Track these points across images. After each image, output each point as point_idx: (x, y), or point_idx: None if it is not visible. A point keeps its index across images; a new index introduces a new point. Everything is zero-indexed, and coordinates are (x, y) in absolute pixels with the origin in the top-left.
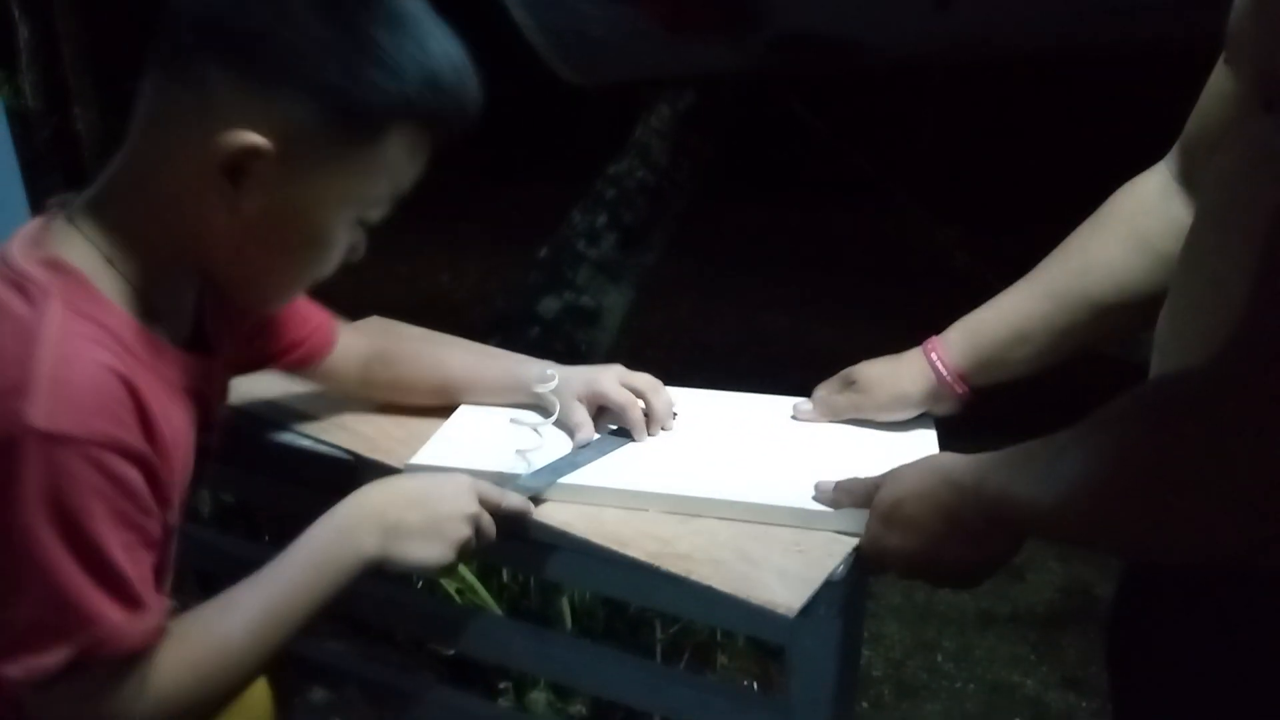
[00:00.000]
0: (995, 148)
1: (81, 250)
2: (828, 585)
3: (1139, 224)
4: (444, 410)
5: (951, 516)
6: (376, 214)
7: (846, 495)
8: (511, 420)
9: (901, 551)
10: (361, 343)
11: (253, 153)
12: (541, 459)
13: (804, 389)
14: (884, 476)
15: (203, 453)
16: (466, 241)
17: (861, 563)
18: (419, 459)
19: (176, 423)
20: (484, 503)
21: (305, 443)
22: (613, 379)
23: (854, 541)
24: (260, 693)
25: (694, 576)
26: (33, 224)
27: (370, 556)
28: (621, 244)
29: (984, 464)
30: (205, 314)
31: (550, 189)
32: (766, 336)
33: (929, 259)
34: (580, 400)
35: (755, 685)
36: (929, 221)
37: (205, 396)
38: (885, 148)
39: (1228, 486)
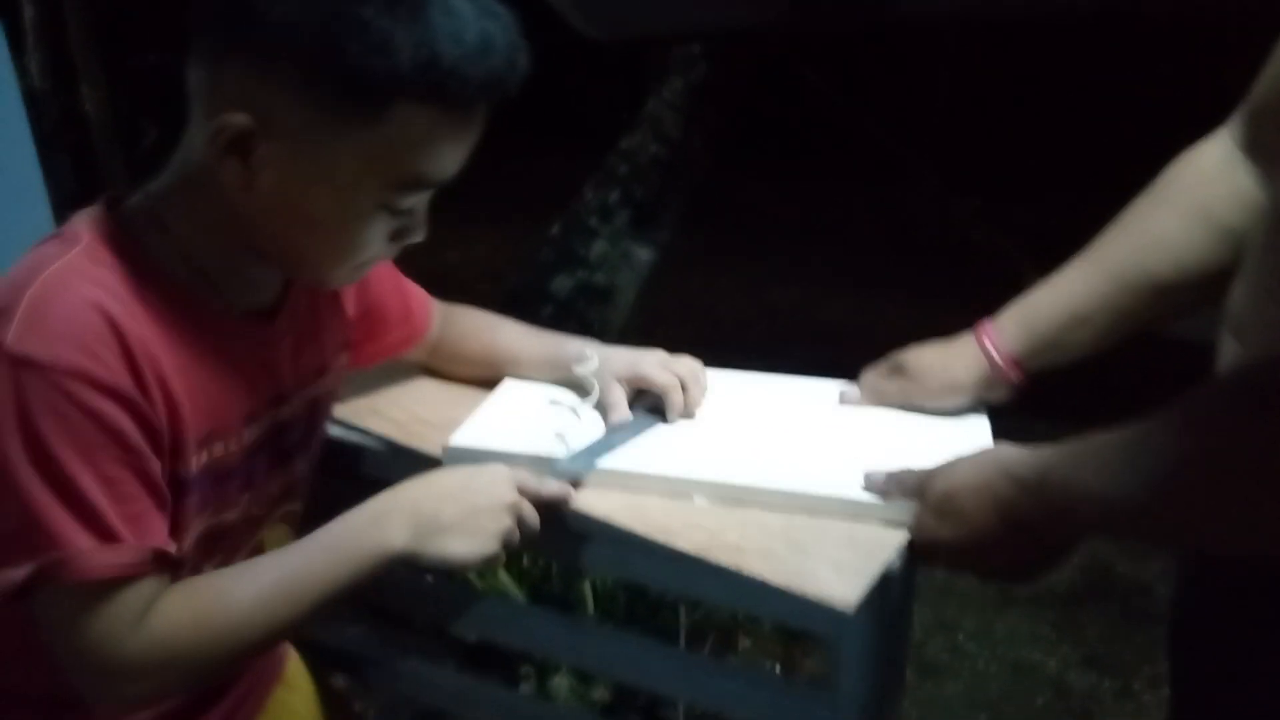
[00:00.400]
0: (1011, 116)
1: (139, 220)
2: (883, 578)
3: (1201, 197)
4: (477, 395)
5: (1007, 510)
6: (409, 200)
7: (898, 486)
8: (550, 401)
9: (953, 544)
10: (439, 315)
11: (244, 132)
12: (579, 441)
13: (814, 364)
14: (937, 468)
15: (278, 429)
16: (474, 217)
17: (912, 555)
18: (457, 440)
19: (207, 378)
20: (523, 492)
21: (336, 431)
22: (654, 361)
23: (905, 533)
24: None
25: (745, 569)
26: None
27: (399, 550)
28: (635, 220)
29: (1046, 457)
30: (293, 290)
31: (561, 163)
32: (776, 311)
33: (942, 231)
34: (620, 381)
35: (778, 667)
36: (944, 193)
37: (271, 365)
38: (898, 119)
39: None
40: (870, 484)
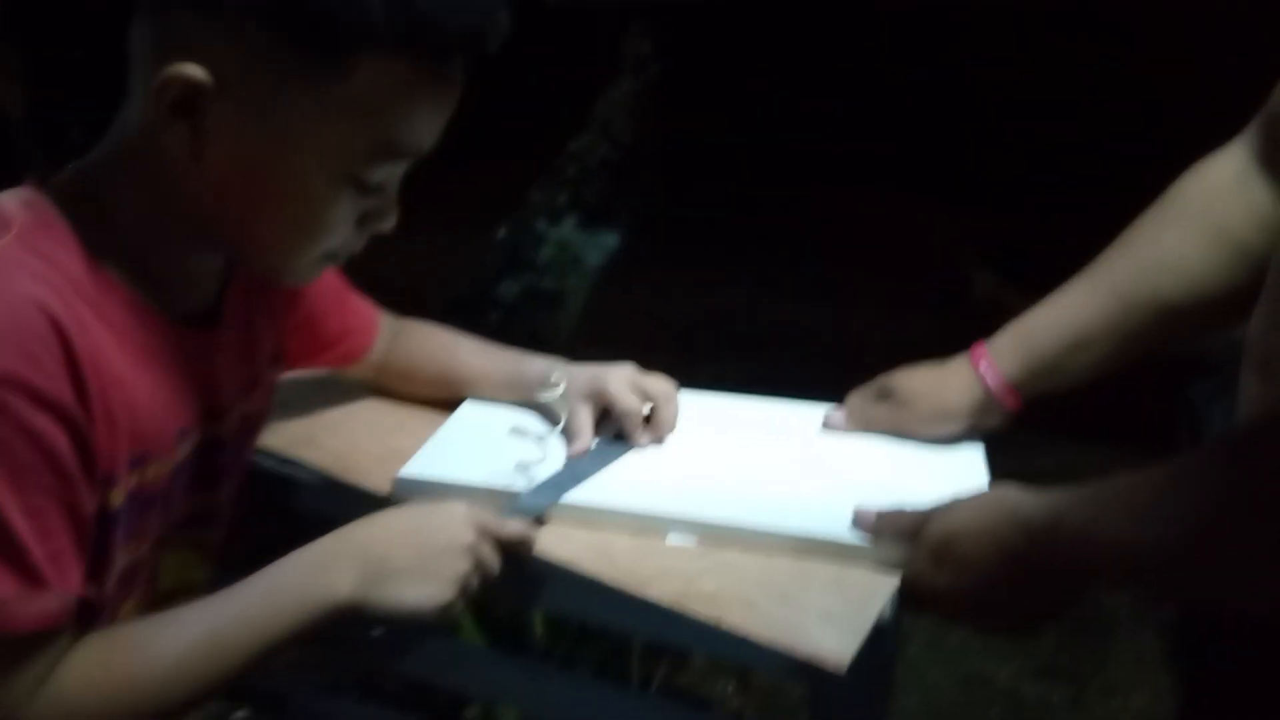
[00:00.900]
0: (961, 119)
1: (73, 200)
2: (874, 630)
3: (1214, 214)
4: (427, 420)
5: (1014, 558)
6: (378, 173)
7: (890, 527)
8: (513, 430)
9: (951, 593)
10: (388, 329)
11: (194, 87)
12: (542, 473)
13: (762, 367)
14: (934, 509)
15: (209, 447)
16: (416, 220)
17: (902, 602)
18: (408, 471)
19: (143, 390)
20: (483, 532)
21: (268, 463)
22: (622, 380)
23: (892, 579)
24: None
25: (725, 622)
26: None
27: (345, 599)
28: (584, 223)
29: (1059, 502)
30: (230, 293)
31: (506, 165)
32: (725, 315)
33: (891, 235)
34: (585, 401)
35: (731, 687)
36: (893, 197)
37: (207, 377)
38: (849, 122)
39: None
40: (860, 523)
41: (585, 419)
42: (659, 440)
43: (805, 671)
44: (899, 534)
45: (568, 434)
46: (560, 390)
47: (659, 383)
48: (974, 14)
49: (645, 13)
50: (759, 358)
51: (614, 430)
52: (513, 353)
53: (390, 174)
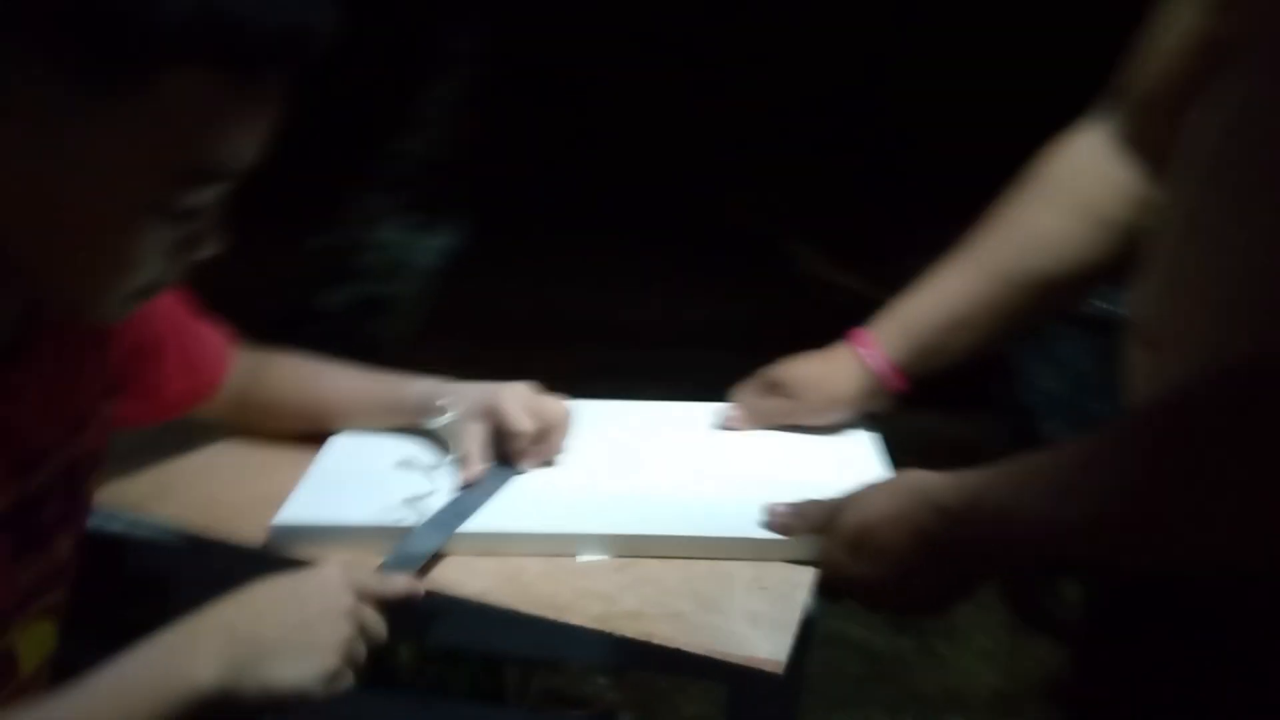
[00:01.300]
0: (776, 104)
1: None
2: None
3: (1081, 191)
4: (294, 459)
5: (931, 541)
6: (191, 199)
7: (802, 521)
8: (396, 460)
9: (870, 581)
10: (243, 362)
11: None
12: (434, 505)
13: (599, 361)
14: (844, 500)
15: (28, 503)
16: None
17: (821, 593)
18: (286, 516)
19: None
20: (362, 595)
21: (115, 525)
22: (516, 400)
23: (810, 570)
24: None
25: (657, 639)
26: None
27: (208, 686)
28: (414, 225)
29: (973, 484)
30: (36, 324)
31: (318, 169)
32: (559, 310)
33: (718, 222)
34: (477, 421)
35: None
36: (719, 186)
37: (12, 423)
38: (672, 113)
39: None
40: (772, 520)
41: (478, 441)
42: (546, 464)
43: (724, 671)
44: (811, 526)
45: (460, 459)
46: (449, 416)
47: (553, 405)
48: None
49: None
50: (595, 351)
51: (500, 453)
52: (390, 376)
53: (203, 198)
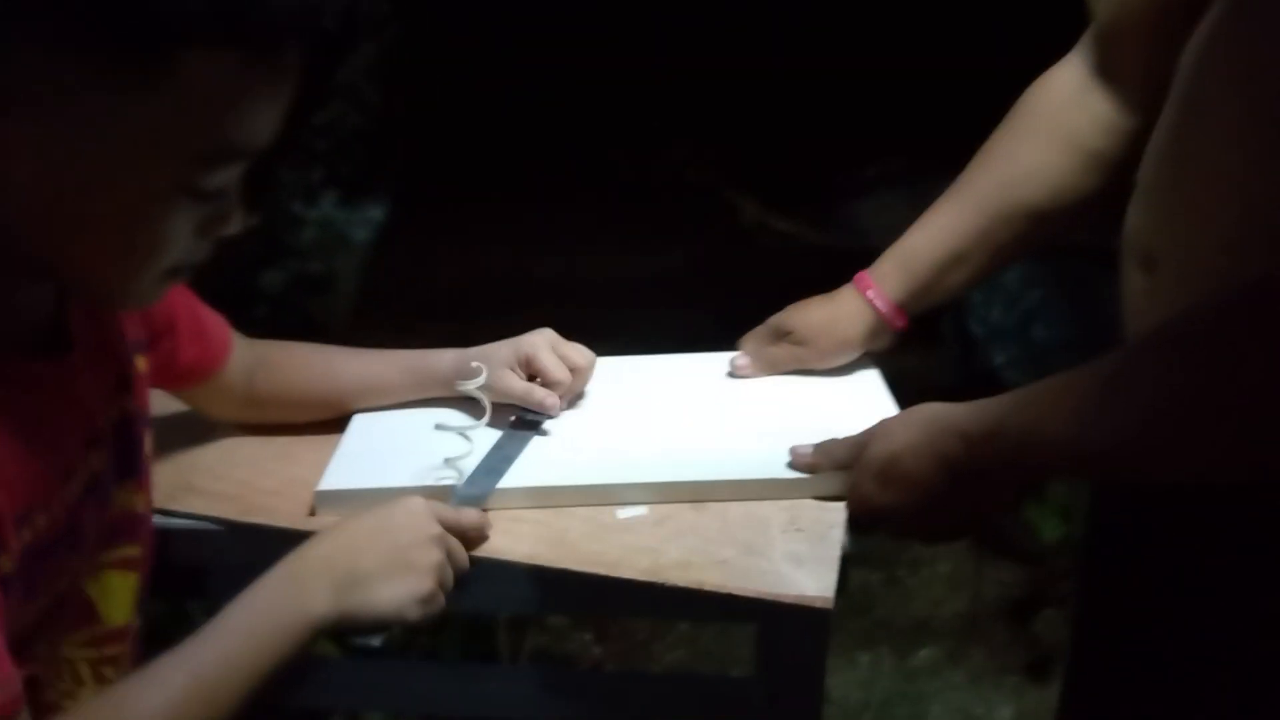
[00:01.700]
0: (707, 55)
1: None
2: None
3: (1064, 123)
4: (317, 445)
5: (957, 468)
6: (215, 178)
7: (827, 458)
8: (425, 427)
9: (899, 510)
10: (246, 350)
11: None
12: (471, 465)
13: (538, 319)
14: (868, 433)
15: (99, 478)
16: None
17: (852, 526)
18: (329, 483)
19: (9, 449)
20: (444, 524)
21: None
22: (547, 347)
23: (840, 507)
24: None
25: (708, 586)
26: None
27: (321, 617)
28: (344, 199)
29: (995, 409)
30: (70, 313)
31: None
32: (492, 274)
33: (648, 177)
34: (512, 370)
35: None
36: (652, 139)
37: (74, 403)
38: (602, 69)
39: None
40: (797, 461)
41: (528, 384)
42: (571, 408)
43: (752, 612)
44: (836, 463)
45: (520, 402)
46: (483, 378)
47: (579, 352)
48: None
49: None
50: (534, 311)
51: (513, 420)
52: (406, 353)
53: (227, 177)
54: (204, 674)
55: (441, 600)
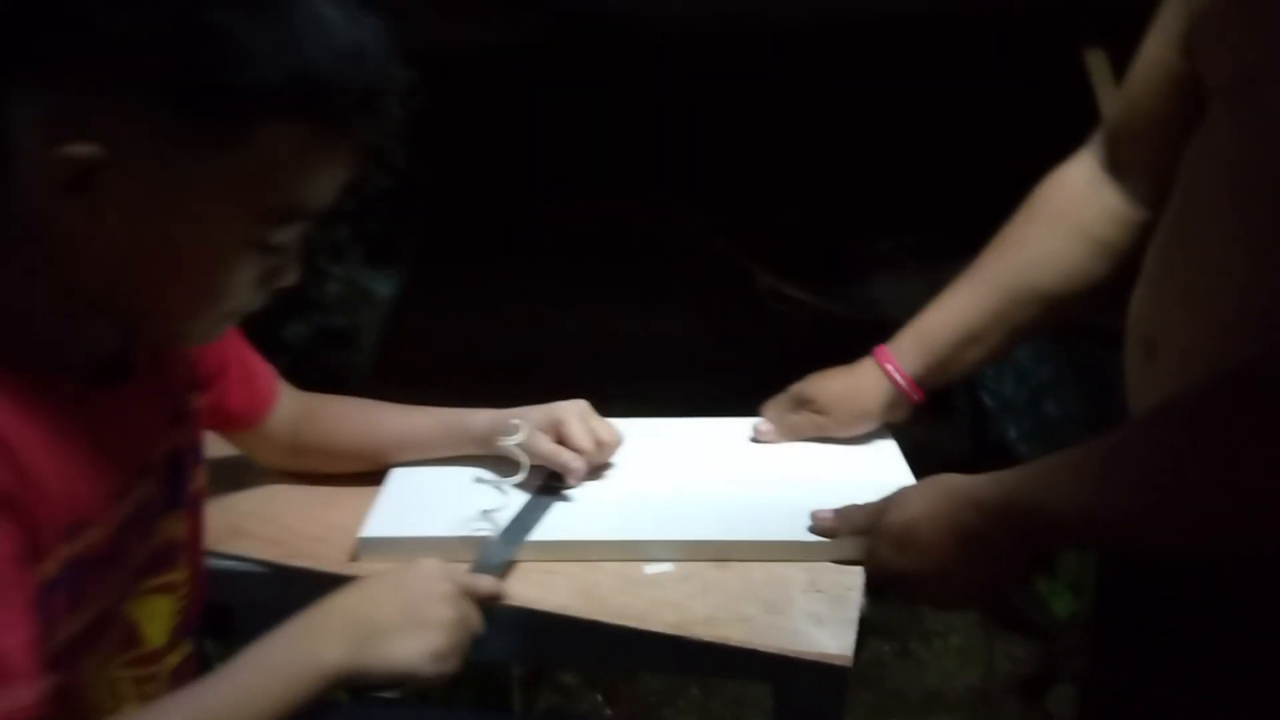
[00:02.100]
0: (724, 131)
1: None
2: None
3: (1076, 214)
4: (357, 495)
5: (971, 536)
6: (281, 234)
7: (846, 523)
8: (462, 481)
9: (915, 575)
10: (293, 400)
11: (90, 164)
12: (506, 518)
13: (553, 380)
14: (886, 501)
15: (145, 505)
16: None
17: (869, 590)
18: (372, 530)
19: (65, 465)
20: (459, 585)
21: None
22: (578, 418)
23: (859, 570)
24: None
25: (732, 642)
26: None
27: (335, 667)
28: (369, 256)
29: (1007, 481)
30: (135, 348)
31: None
32: (510, 330)
33: (667, 241)
34: (544, 433)
35: (601, 698)
36: (669, 204)
37: (126, 435)
38: (621, 134)
39: None
40: (818, 525)
41: (558, 446)
42: (595, 478)
43: (770, 672)
44: (857, 528)
45: (548, 463)
46: (522, 435)
47: (607, 428)
48: (737, 35)
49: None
50: (551, 369)
51: (540, 481)
52: (445, 410)
53: (290, 234)
54: (213, 712)
55: (456, 659)
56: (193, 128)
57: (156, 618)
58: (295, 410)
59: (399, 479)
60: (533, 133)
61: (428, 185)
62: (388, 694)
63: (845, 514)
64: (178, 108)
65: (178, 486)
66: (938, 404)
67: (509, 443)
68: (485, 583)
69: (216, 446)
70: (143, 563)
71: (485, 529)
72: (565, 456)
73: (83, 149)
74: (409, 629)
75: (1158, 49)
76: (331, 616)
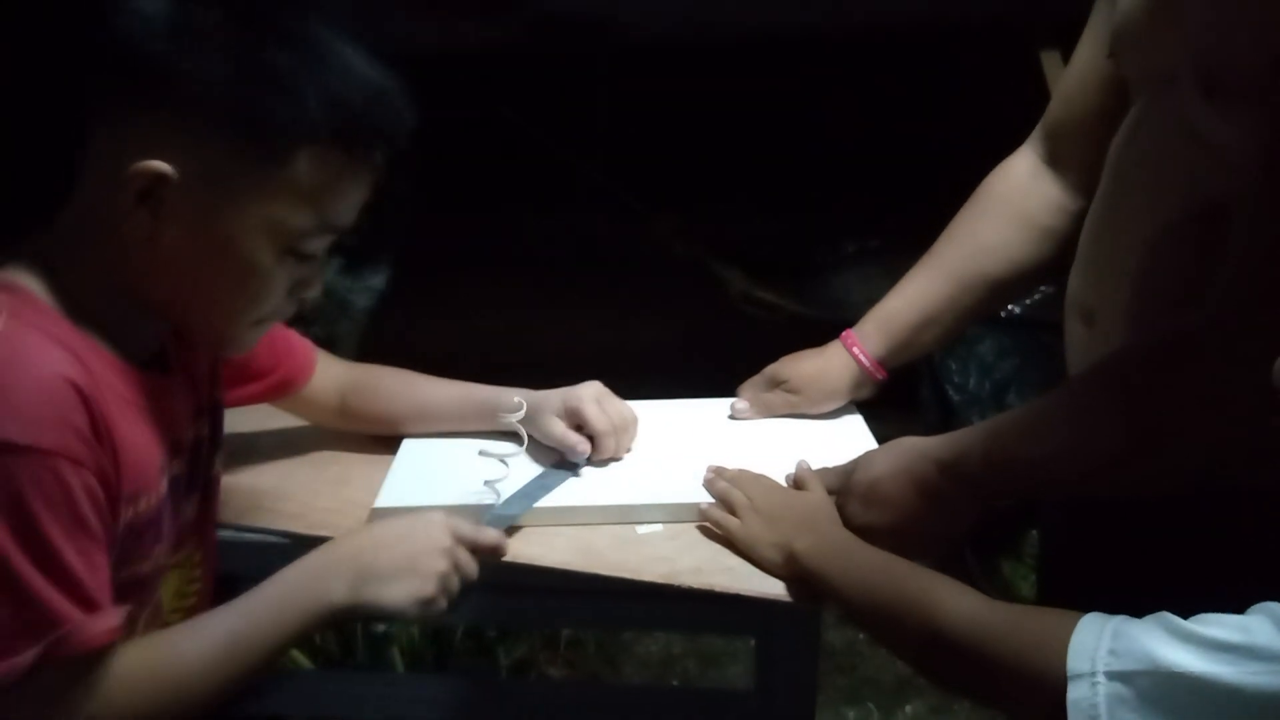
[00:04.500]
0: (694, 139)
1: (29, 275)
2: None
3: (1020, 204)
4: (367, 469)
5: (929, 490)
6: (313, 245)
7: (819, 481)
8: (469, 454)
9: (881, 527)
10: (339, 371)
11: (160, 179)
12: (509, 489)
13: (531, 388)
14: (853, 462)
15: (175, 483)
16: None
17: None
18: (383, 501)
19: (130, 435)
20: (460, 539)
21: (226, 534)
22: (594, 400)
23: None
24: None
25: (718, 588)
26: None
27: (338, 604)
28: (347, 267)
29: (962, 439)
30: (170, 339)
31: None
32: (485, 341)
33: (638, 248)
34: (560, 417)
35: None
36: (642, 212)
37: (167, 418)
38: (589, 145)
39: (1240, 414)
40: (797, 481)
41: (566, 429)
42: (603, 463)
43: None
44: (830, 485)
45: (558, 445)
46: (522, 412)
47: (623, 409)
48: (705, 44)
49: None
50: (525, 377)
51: (554, 462)
52: (476, 385)
53: (322, 244)
54: (238, 632)
55: (443, 604)
56: (247, 150)
57: (172, 588)
58: (341, 379)
59: (408, 452)
60: (510, 149)
61: (405, 198)
62: (378, 627)
63: (820, 473)
64: (237, 133)
65: (199, 472)
66: (906, 398)
67: (510, 419)
68: (489, 534)
69: (234, 426)
70: (173, 538)
71: (488, 498)
72: (571, 440)
73: (155, 165)
74: (402, 575)
75: (1088, 51)
76: (339, 558)
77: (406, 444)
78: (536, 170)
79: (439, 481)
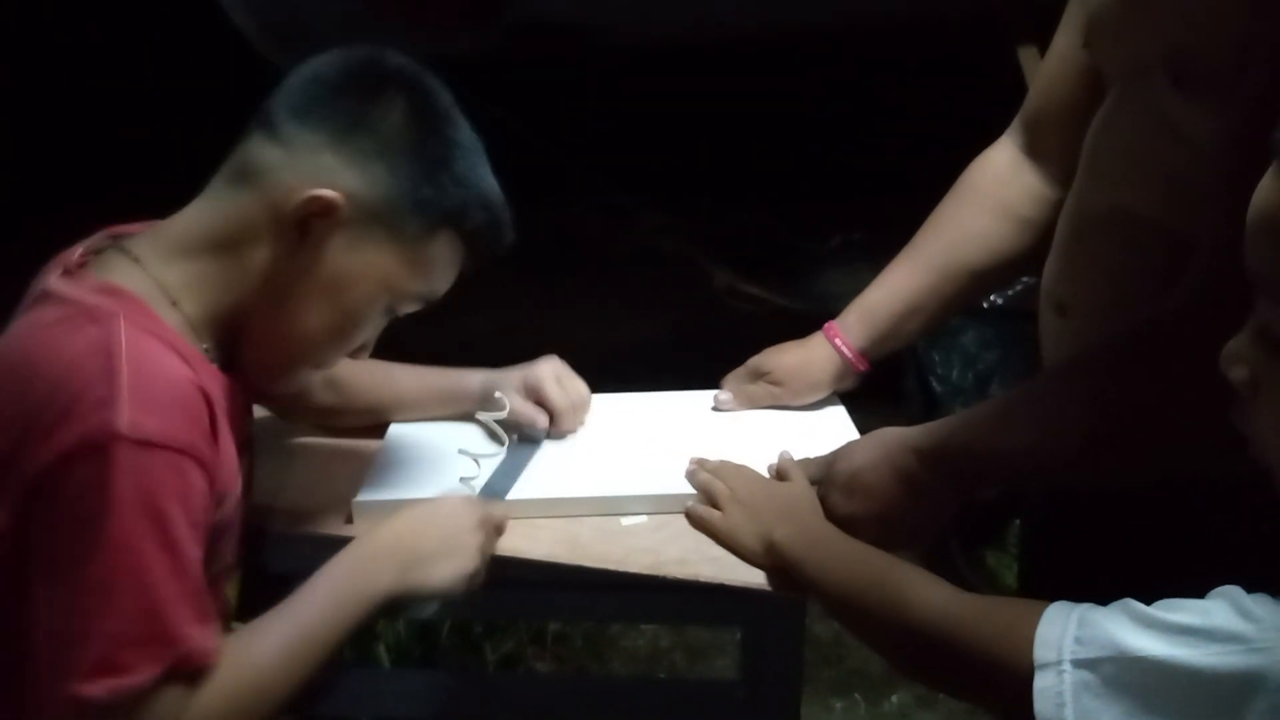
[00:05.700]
0: (677, 135)
1: (139, 280)
2: None
3: (1000, 195)
4: (352, 466)
5: (910, 480)
6: (405, 308)
7: (802, 471)
8: (451, 443)
9: (862, 516)
10: None
11: (326, 207)
12: (484, 479)
13: None
14: (835, 453)
15: (244, 488)
16: None
17: None
18: (365, 495)
19: (224, 437)
20: (479, 512)
21: None
22: (553, 377)
23: None
24: None
25: (703, 578)
26: (69, 254)
27: (387, 592)
28: None
29: (941, 429)
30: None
31: None
32: (472, 339)
33: (625, 244)
34: (521, 395)
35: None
36: (629, 208)
37: (240, 418)
38: (577, 141)
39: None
40: (780, 472)
41: (524, 402)
42: (561, 436)
43: (737, 612)
44: (812, 475)
45: (523, 424)
46: (505, 412)
47: (580, 386)
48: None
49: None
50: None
51: (517, 434)
52: (447, 370)
53: (407, 310)
54: (303, 631)
55: (482, 577)
56: (403, 214)
57: (233, 595)
58: (316, 377)
59: (394, 442)
60: (494, 138)
61: None
62: (426, 610)
63: (802, 463)
64: (406, 193)
65: (249, 471)
66: (890, 389)
67: (490, 419)
68: (499, 508)
69: None
70: (237, 538)
71: (469, 491)
72: (529, 412)
73: (330, 194)
74: (444, 555)
75: (1065, 41)
76: (381, 547)
77: (389, 439)
78: (522, 167)
79: (422, 472)
